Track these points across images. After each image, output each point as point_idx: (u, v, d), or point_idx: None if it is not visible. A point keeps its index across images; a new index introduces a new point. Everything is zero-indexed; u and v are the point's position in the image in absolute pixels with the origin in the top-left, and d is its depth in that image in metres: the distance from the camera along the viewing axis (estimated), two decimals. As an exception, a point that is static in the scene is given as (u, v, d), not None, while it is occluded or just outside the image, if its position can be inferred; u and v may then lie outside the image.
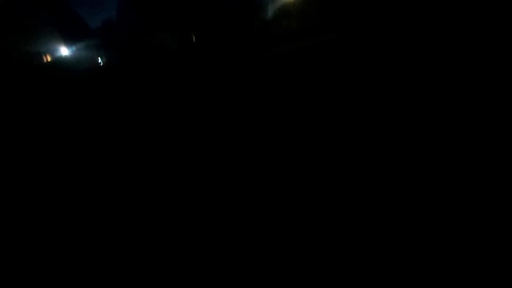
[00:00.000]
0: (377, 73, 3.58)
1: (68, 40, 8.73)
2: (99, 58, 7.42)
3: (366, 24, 4.93)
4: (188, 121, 3.72)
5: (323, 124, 2.79)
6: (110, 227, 2.11)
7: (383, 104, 2.82)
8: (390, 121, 2.50)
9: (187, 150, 3.03)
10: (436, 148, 1.96)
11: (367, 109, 2.80)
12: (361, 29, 4.86)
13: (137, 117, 4.41)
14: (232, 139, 3.05)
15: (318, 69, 4.55)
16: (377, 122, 2.52)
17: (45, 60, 8.14)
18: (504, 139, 1.85)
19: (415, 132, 2.23)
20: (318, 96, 3.50)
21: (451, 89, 2.62)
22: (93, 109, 5.30)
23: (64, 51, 8.20)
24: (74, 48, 7.75)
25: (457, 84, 2.67)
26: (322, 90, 3.70)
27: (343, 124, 2.67)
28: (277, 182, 2.07)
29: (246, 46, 6.12)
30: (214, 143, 3.06)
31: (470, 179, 1.61)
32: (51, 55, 8.19)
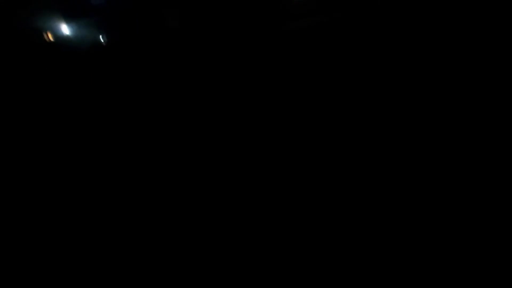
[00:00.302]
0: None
1: (68, 17, 8.45)
2: (101, 38, 7.00)
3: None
4: (194, 111, 3.68)
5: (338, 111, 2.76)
6: (110, 226, 2.12)
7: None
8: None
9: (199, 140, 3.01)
10: (437, 146, 1.96)
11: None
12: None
13: (142, 106, 4.37)
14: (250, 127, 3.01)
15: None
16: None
17: (46, 39, 7.90)
18: (504, 139, 1.85)
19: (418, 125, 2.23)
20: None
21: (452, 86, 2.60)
22: (95, 94, 5.24)
23: (65, 29, 7.91)
24: (75, 26, 7.66)
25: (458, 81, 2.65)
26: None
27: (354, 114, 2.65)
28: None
29: (263, 19, 5.82)
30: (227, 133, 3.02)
31: (470, 179, 1.61)
32: (52, 33, 7.94)
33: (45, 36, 8.42)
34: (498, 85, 2.32)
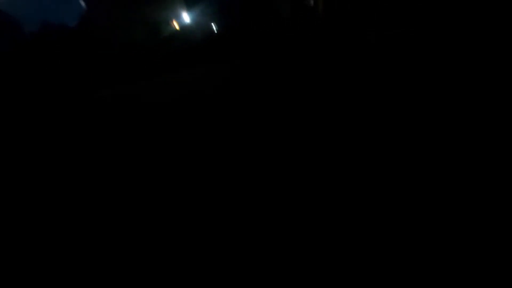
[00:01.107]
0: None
1: (189, 5, 9.20)
2: (213, 25, 7.35)
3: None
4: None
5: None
6: (110, 226, 2.09)
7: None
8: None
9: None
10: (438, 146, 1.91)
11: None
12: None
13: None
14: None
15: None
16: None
17: (173, 27, 8.80)
18: (504, 139, 1.78)
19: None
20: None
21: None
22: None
23: (186, 17, 8.91)
24: (193, 14, 8.46)
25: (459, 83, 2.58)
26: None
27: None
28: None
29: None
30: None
31: (470, 179, 1.56)
32: (177, 22, 8.90)
33: (172, 24, 9.36)
34: (494, 97, 2.30)
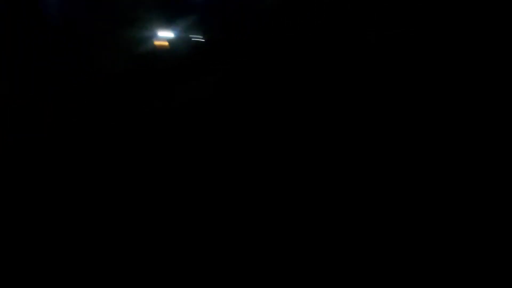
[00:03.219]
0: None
1: (171, 20, 8.76)
2: (201, 36, 7.05)
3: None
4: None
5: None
6: (110, 226, 2.11)
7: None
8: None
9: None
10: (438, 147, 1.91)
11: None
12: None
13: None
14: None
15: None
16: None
17: (154, 46, 8.27)
18: (504, 139, 1.78)
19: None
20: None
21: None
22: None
23: (168, 33, 8.48)
24: (176, 29, 7.45)
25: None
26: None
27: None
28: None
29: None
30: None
31: (470, 179, 1.58)
32: (157, 39, 8.42)
33: (154, 43, 8.75)
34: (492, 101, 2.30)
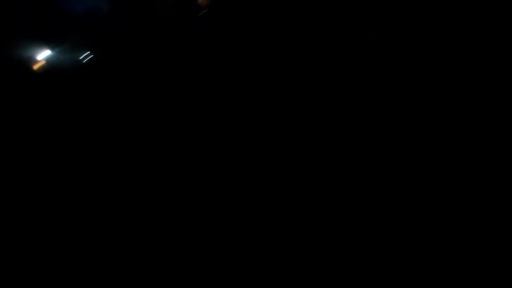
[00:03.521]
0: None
1: (50, 39, 7.78)
2: (84, 55, 6.95)
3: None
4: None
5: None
6: (111, 226, 2.11)
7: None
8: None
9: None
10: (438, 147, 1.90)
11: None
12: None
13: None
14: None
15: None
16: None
17: (31, 66, 7.54)
18: (504, 139, 1.76)
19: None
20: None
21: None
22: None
23: (46, 53, 7.60)
24: (56, 48, 7.03)
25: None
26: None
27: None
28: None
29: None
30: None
31: (470, 179, 1.55)
32: (33, 59, 7.53)
33: (34, 63, 7.65)
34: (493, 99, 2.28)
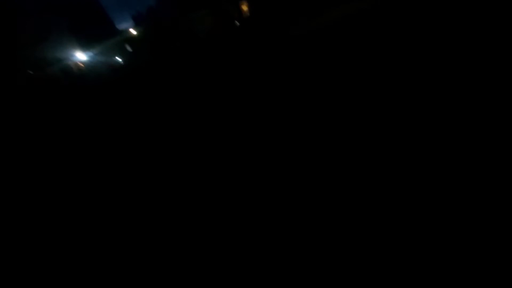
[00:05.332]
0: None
1: (87, 42, 8.88)
2: (120, 58, 8.06)
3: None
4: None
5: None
6: (111, 226, 2.11)
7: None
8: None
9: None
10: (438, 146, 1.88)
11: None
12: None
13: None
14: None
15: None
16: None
17: (71, 67, 8.27)
18: (504, 139, 1.75)
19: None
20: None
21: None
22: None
23: (81, 56, 8.55)
24: (93, 51, 8.19)
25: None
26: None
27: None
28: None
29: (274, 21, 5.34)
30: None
31: (470, 179, 1.56)
32: (68, 60, 8.46)
33: (72, 64, 8.89)
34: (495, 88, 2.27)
